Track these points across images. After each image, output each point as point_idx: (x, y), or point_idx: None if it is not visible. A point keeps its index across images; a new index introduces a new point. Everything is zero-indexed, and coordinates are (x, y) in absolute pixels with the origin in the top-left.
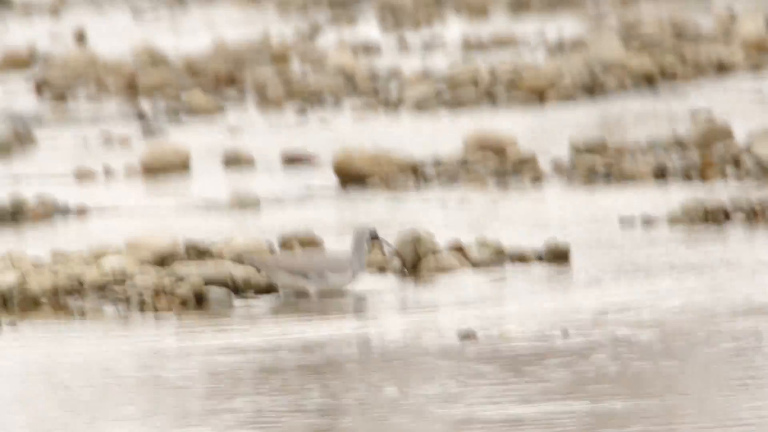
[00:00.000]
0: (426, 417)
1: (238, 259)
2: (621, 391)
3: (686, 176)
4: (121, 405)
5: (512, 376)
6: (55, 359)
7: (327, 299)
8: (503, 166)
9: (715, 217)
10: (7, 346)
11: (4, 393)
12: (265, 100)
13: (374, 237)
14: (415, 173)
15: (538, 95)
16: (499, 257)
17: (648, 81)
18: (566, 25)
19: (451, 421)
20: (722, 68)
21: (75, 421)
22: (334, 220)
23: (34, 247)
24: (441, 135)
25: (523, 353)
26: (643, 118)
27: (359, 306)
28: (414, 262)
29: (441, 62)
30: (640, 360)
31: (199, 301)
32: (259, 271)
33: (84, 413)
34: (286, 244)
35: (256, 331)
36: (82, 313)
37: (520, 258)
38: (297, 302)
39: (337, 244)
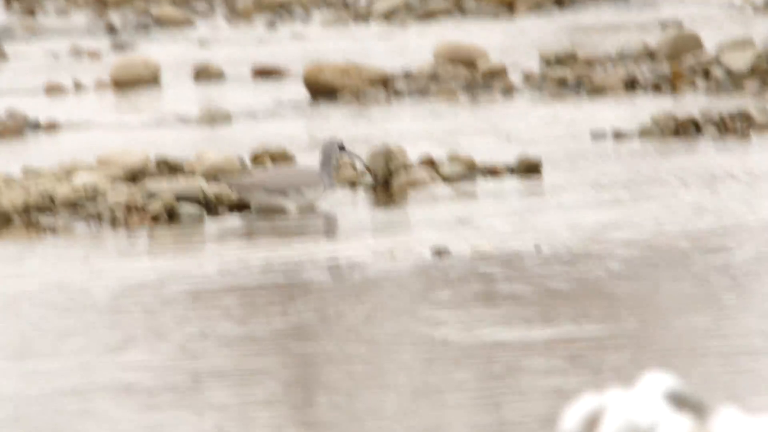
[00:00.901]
0: (401, 340)
1: (212, 177)
2: (594, 313)
3: (656, 88)
4: (93, 329)
5: (484, 297)
6: (27, 280)
7: (300, 216)
8: (473, 78)
9: (685, 129)
10: None
11: None
12: (234, 12)
13: (342, 149)
14: (386, 86)
15: (508, 5)
16: (470, 171)
17: None
18: None
19: (429, 344)
20: None
21: (43, 343)
22: (305, 133)
23: (4, 165)
24: (411, 47)
25: (496, 271)
26: (614, 29)
27: (330, 224)
28: (385, 176)
29: None
30: (612, 279)
31: (171, 217)
32: (235, 192)
33: (52, 336)
34: (257, 158)
35: (228, 252)
36: (54, 230)
37: (492, 172)
38: (269, 220)
39: (308, 158)
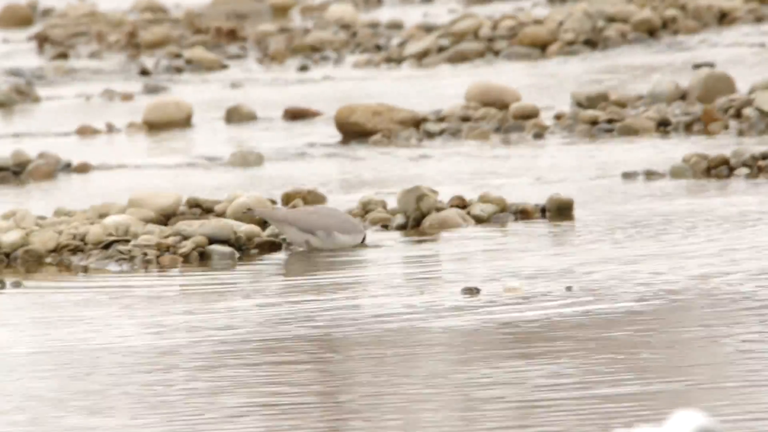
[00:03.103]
0: (433, 390)
1: (244, 215)
2: (631, 365)
3: (688, 128)
4: (122, 384)
5: (515, 345)
6: (56, 326)
7: (331, 259)
8: (505, 119)
9: (717, 169)
10: (11, 306)
11: (8, 354)
12: (266, 56)
13: None
14: (417, 127)
15: (540, 48)
16: (501, 212)
17: (650, 33)
18: None
19: (470, 400)
20: (724, 19)
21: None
22: (337, 175)
23: (37, 206)
24: (443, 89)
25: (528, 313)
26: (646, 70)
27: (359, 269)
28: (417, 218)
29: (442, 15)
30: (642, 324)
31: (202, 257)
32: (266, 224)
33: (81, 387)
34: (288, 200)
35: (259, 297)
36: (86, 272)
37: (523, 212)
38: (301, 263)
39: (340, 200)
